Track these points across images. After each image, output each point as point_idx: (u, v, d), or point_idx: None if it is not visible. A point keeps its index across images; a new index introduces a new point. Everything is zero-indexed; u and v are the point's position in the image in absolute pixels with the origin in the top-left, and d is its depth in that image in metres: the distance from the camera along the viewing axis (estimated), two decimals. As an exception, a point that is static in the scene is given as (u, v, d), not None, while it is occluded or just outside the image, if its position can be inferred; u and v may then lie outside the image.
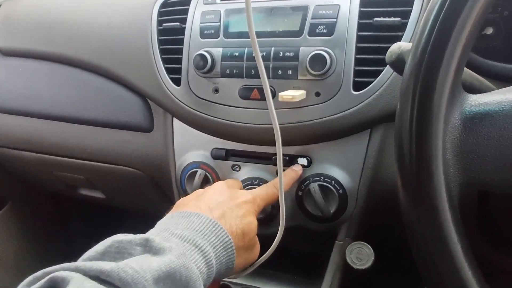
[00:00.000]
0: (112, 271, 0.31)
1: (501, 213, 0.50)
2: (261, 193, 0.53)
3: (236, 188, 0.54)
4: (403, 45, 0.40)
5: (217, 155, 0.65)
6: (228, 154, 0.65)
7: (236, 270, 0.47)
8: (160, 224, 0.43)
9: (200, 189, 0.52)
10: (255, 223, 0.48)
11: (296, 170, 0.60)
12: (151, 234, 0.39)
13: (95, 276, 0.31)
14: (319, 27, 0.56)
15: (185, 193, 0.68)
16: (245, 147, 0.64)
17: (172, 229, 0.40)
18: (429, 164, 0.31)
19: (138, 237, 0.37)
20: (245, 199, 0.50)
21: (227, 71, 0.60)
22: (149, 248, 0.36)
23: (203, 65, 0.60)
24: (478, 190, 0.48)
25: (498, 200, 0.49)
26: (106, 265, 0.32)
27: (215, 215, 0.44)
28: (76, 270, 0.31)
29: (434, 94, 0.30)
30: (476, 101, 0.32)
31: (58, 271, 0.31)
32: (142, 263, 0.33)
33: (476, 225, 0.52)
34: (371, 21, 0.55)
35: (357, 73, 0.55)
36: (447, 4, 0.30)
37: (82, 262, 0.33)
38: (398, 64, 0.40)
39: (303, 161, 0.60)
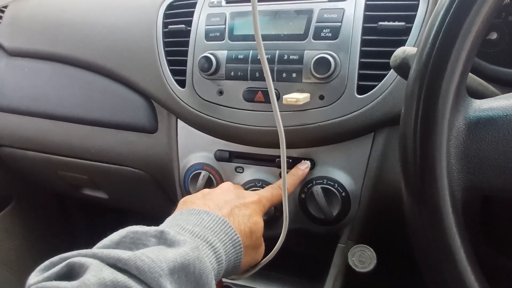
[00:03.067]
0: (130, 260, 0.31)
1: (506, 218, 0.50)
2: (267, 194, 0.54)
3: (242, 189, 0.54)
4: (407, 50, 0.40)
5: (220, 156, 0.65)
6: (232, 156, 0.65)
7: (243, 268, 0.47)
8: (169, 220, 0.44)
9: (206, 189, 0.53)
10: (261, 223, 0.49)
11: (302, 169, 0.60)
12: (165, 227, 0.39)
13: (113, 264, 0.31)
14: (324, 30, 0.56)
15: (188, 194, 0.68)
16: (249, 149, 0.64)
17: (183, 225, 0.41)
18: (433, 168, 0.31)
19: (153, 228, 0.37)
20: (251, 199, 0.50)
21: (232, 74, 0.60)
22: (163, 240, 0.36)
23: (208, 67, 0.60)
24: (482, 195, 0.48)
25: (503, 205, 0.49)
26: (123, 254, 0.32)
27: (224, 213, 0.45)
28: (94, 256, 0.32)
29: (439, 99, 0.30)
30: (480, 106, 0.32)
31: (76, 257, 0.31)
32: (158, 253, 0.33)
33: (481, 230, 0.52)
34: (376, 25, 0.55)
35: (361, 77, 0.56)
36: (452, 9, 0.30)
37: (99, 249, 0.33)
38: (402, 68, 0.40)
39: (306, 165, 0.60)
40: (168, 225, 0.41)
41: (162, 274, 0.32)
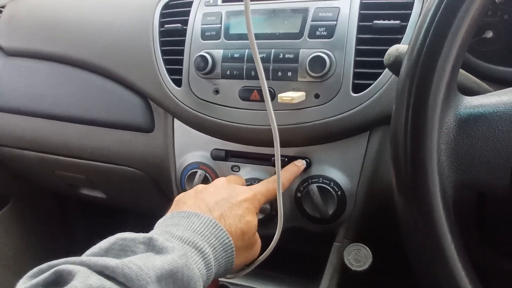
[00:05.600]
0: (117, 267, 0.31)
1: (500, 216, 0.50)
2: (262, 189, 0.53)
3: (237, 185, 0.53)
4: (401, 48, 0.41)
5: (217, 155, 0.65)
6: (228, 155, 0.65)
7: (235, 269, 0.47)
8: (160, 224, 0.44)
9: (200, 185, 0.52)
10: (254, 221, 0.48)
11: (298, 165, 0.59)
12: (154, 233, 0.39)
13: (100, 271, 0.32)
14: (319, 29, 0.56)
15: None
16: (245, 148, 0.64)
17: (173, 231, 0.40)
18: (424, 165, 0.31)
19: (141, 235, 0.37)
20: (244, 197, 0.49)
21: (228, 73, 0.60)
22: (152, 247, 0.36)
23: (204, 66, 0.60)
24: (477, 193, 0.48)
25: (497, 203, 0.49)
26: (111, 261, 0.32)
27: (215, 215, 0.44)
28: (82, 264, 0.32)
29: (429, 96, 0.30)
30: (471, 103, 0.32)
31: (64, 264, 0.32)
32: (146, 260, 0.34)
33: (476, 228, 0.52)
34: (371, 23, 0.55)
35: (356, 75, 0.56)
36: (442, 6, 0.30)
37: (87, 257, 0.34)
38: (395, 66, 0.40)
39: (301, 162, 0.60)
40: (158, 232, 0.41)
41: (149, 281, 0.32)
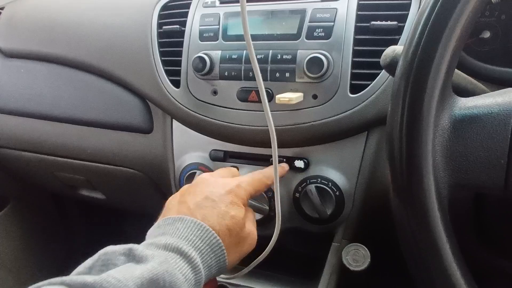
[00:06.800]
0: (95, 283, 0.31)
1: (495, 216, 0.50)
2: (247, 178, 0.51)
3: (224, 177, 0.51)
4: (397, 49, 0.41)
5: (215, 156, 0.65)
6: (226, 156, 0.65)
7: (231, 266, 0.46)
8: (149, 235, 0.43)
9: (185, 186, 0.51)
10: (240, 214, 0.46)
11: (282, 166, 0.59)
12: (135, 245, 0.39)
13: None
14: (317, 30, 0.56)
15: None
16: (243, 149, 0.64)
17: (158, 241, 0.40)
18: (419, 166, 0.31)
19: (122, 247, 0.37)
20: (228, 189, 0.47)
21: (226, 74, 0.60)
22: (132, 257, 0.36)
23: (202, 67, 0.60)
24: (474, 194, 0.48)
25: (494, 203, 0.49)
26: (89, 278, 0.32)
27: (198, 216, 0.43)
28: (62, 283, 0.32)
29: (424, 96, 0.30)
30: (466, 104, 0.33)
31: (45, 285, 0.32)
32: (126, 272, 0.33)
33: (472, 228, 0.52)
34: (368, 24, 0.56)
35: (354, 76, 0.56)
36: (437, 7, 0.30)
37: (69, 276, 0.34)
38: (392, 67, 0.40)
39: (300, 163, 0.61)
40: (146, 242, 0.40)
41: None
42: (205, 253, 0.41)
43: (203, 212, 0.44)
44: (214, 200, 0.46)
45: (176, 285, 0.36)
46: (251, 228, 0.48)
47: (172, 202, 0.48)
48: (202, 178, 0.51)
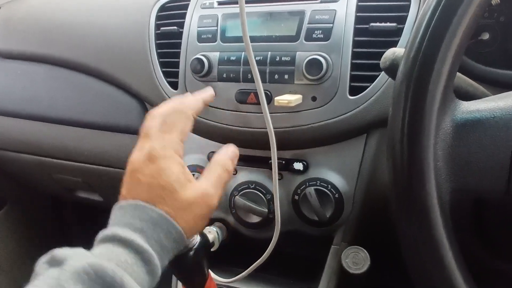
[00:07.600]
0: None
1: (498, 220, 0.50)
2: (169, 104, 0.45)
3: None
4: (397, 51, 0.40)
5: (214, 158, 0.65)
6: (225, 158, 0.65)
7: (190, 232, 0.39)
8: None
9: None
10: (174, 167, 0.39)
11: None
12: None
13: None
14: (316, 32, 0.56)
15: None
16: (242, 151, 0.63)
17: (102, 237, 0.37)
18: (420, 171, 0.31)
19: (45, 256, 0.35)
20: (153, 144, 0.41)
21: (224, 75, 0.60)
22: (52, 262, 0.34)
23: (200, 69, 0.60)
24: (474, 198, 0.48)
25: (494, 207, 0.49)
26: None
27: (124, 192, 0.40)
28: None
29: (426, 101, 0.30)
30: (468, 108, 0.32)
31: None
32: (44, 279, 0.32)
33: (474, 233, 0.52)
34: (367, 26, 0.55)
35: (353, 78, 0.55)
36: (439, 10, 0.30)
37: None
38: (392, 70, 0.40)
39: (299, 165, 0.60)
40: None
41: None
42: (148, 231, 0.36)
43: (128, 187, 0.40)
44: (139, 163, 0.40)
45: (107, 274, 0.32)
46: (195, 185, 0.40)
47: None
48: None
